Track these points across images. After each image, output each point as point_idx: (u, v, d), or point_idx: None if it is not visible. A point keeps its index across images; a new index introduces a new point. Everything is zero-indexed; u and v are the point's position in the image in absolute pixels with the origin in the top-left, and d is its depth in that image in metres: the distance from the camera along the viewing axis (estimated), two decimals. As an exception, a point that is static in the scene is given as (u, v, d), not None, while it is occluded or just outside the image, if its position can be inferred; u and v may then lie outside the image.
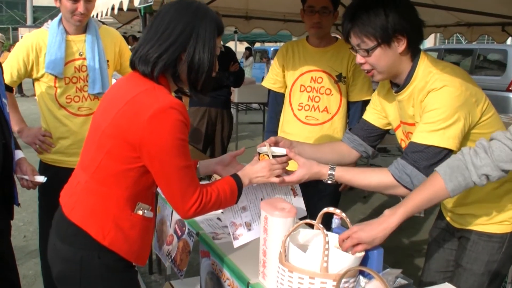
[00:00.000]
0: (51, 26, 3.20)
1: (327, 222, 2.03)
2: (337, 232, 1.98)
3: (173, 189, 1.87)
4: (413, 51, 2.11)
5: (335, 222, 2.14)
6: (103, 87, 3.20)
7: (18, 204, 2.75)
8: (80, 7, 3.03)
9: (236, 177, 2.04)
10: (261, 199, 2.25)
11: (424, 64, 2.10)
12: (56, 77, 3.17)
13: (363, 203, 6.61)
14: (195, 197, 1.87)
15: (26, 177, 2.69)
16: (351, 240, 1.86)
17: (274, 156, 2.13)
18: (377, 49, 2.04)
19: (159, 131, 1.77)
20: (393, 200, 6.50)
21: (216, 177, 2.44)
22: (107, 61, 3.29)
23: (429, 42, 18.06)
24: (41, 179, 2.72)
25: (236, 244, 2.15)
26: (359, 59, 2.12)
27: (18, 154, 2.77)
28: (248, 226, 2.19)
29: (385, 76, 2.16)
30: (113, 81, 2.82)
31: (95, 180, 1.92)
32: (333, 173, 2.17)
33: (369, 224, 1.89)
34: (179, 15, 1.87)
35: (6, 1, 32.15)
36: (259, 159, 2.15)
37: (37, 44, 3.16)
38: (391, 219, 1.88)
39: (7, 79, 3.13)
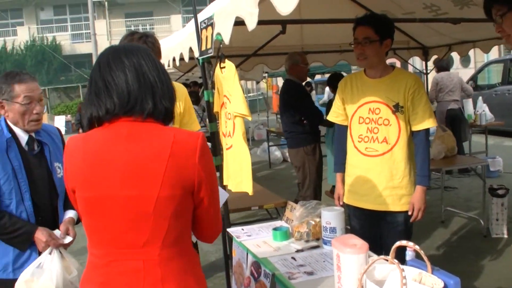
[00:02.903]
0: None
1: (400, 253, 2.01)
2: (412, 265, 1.95)
3: (217, 213, 1.93)
4: None
5: (409, 254, 2.11)
6: None
7: None
8: None
9: None
10: None
11: None
12: None
13: (441, 227, 6.40)
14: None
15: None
16: None
17: None
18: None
19: (208, 165, 1.83)
20: (473, 223, 6.32)
21: None
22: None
23: (493, 53, 17.61)
24: (67, 240, 2.83)
25: None
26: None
27: (68, 213, 2.94)
28: None
29: None
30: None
31: (169, 246, 1.78)
32: None
33: None
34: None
35: (74, 62, 33.67)
36: None
37: None
38: None
39: None
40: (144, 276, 1.74)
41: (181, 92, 3.49)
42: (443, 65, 8.94)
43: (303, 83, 6.28)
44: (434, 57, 7.81)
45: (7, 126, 2.82)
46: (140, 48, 1.89)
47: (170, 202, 1.73)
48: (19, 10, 35.90)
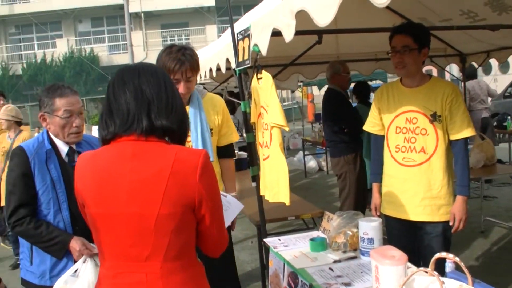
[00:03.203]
0: None
1: (440, 265, 1.98)
2: (452, 277, 1.93)
3: (221, 228, 1.97)
4: None
5: (449, 266, 2.08)
6: None
7: None
8: (182, 87, 3.21)
9: None
10: None
11: None
12: None
13: (481, 238, 6.29)
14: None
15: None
16: None
17: None
18: None
19: (209, 183, 1.87)
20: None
21: None
22: (211, 129, 3.41)
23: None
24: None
25: None
26: None
27: None
28: None
29: None
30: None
31: (170, 260, 1.85)
32: None
33: None
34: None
35: (111, 72, 34.02)
36: None
37: None
38: None
39: None
40: None
41: (219, 103, 3.51)
42: (471, 73, 8.79)
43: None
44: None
45: (49, 137, 2.90)
46: (145, 66, 1.96)
47: (171, 219, 1.81)
48: (58, 23, 36.69)
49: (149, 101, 1.85)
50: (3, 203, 5.98)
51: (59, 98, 2.82)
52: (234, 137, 3.56)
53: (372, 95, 6.70)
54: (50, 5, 34.55)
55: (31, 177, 2.77)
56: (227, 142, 3.49)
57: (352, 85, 7.73)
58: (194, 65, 3.20)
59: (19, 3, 35.84)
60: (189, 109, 3.36)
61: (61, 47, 35.05)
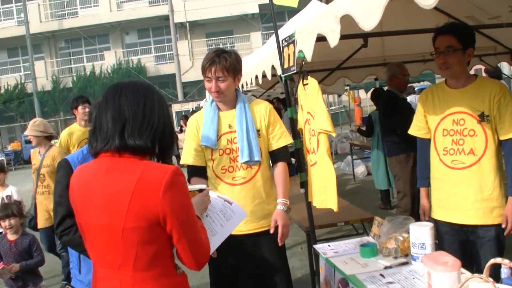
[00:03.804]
0: (206, 106, 3.51)
1: (495, 271, 1.93)
2: (508, 283, 1.88)
3: (195, 244, 1.98)
4: None
5: (504, 272, 2.03)
6: (251, 155, 3.34)
7: None
8: (212, 86, 3.29)
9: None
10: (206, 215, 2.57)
11: None
12: (212, 149, 3.39)
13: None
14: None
15: None
16: None
17: (200, 191, 2.41)
18: None
19: (175, 199, 1.90)
20: None
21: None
22: (258, 130, 3.42)
23: None
24: None
25: None
26: None
27: None
28: None
29: None
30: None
31: (140, 270, 1.94)
32: None
33: None
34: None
35: (159, 82, 34.75)
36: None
37: (197, 123, 3.48)
38: None
39: (190, 161, 3.47)
40: None
41: (264, 107, 3.50)
42: (495, 73, 8.54)
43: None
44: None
45: None
46: (128, 84, 2.06)
47: (135, 233, 1.90)
48: (106, 36, 37.53)
49: (125, 120, 1.96)
50: (40, 225, 5.92)
51: None
52: (284, 140, 3.49)
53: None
54: (97, 18, 35.43)
55: None
56: (277, 146, 3.47)
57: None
58: (226, 67, 3.24)
59: (68, 18, 36.85)
60: (235, 111, 3.40)
61: (109, 59, 35.86)
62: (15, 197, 5.99)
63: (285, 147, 3.50)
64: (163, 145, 2.04)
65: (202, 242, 2.03)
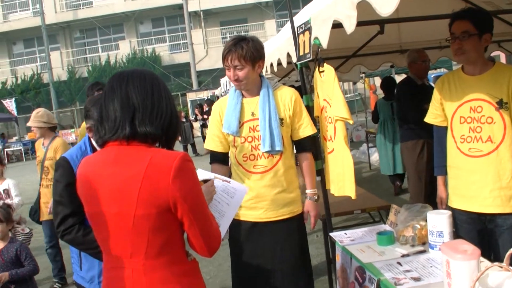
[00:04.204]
0: (230, 92, 3.52)
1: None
2: (529, 271, 1.85)
3: (206, 230, 1.98)
4: None
5: (525, 260, 2.01)
6: (272, 145, 3.32)
7: None
8: (231, 75, 3.31)
9: None
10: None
11: None
12: (234, 136, 3.41)
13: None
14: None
15: None
16: None
17: (204, 181, 2.41)
18: None
19: (185, 185, 1.90)
20: None
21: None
22: (281, 119, 3.39)
23: None
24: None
25: None
26: None
27: None
28: None
29: None
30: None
31: (152, 257, 1.95)
32: None
33: None
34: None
35: (173, 71, 34.82)
36: None
37: (221, 109, 3.51)
38: None
39: (212, 146, 3.53)
40: (132, 283, 1.97)
41: (288, 95, 3.46)
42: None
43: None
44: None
45: (91, 145, 2.96)
46: (134, 72, 2.05)
47: (146, 220, 1.90)
48: (120, 25, 37.65)
49: (134, 108, 1.96)
50: (43, 217, 5.82)
51: None
52: (309, 130, 3.47)
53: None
54: (112, 8, 35.54)
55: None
56: (301, 136, 3.44)
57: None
58: (243, 55, 3.23)
59: (83, 8, 37.01)
60: (259, 99, 3.39)
61: (124, 49, 36.00)
62: (12, 191, 5.87)
63: (310, 136, 3.49)
64: (169, 132, 2.04)
65: (213, 227, 2.03)
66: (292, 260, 3.43)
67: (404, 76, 7.29)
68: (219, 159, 3.54)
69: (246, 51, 3.23)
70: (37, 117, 5.81)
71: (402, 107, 6.05)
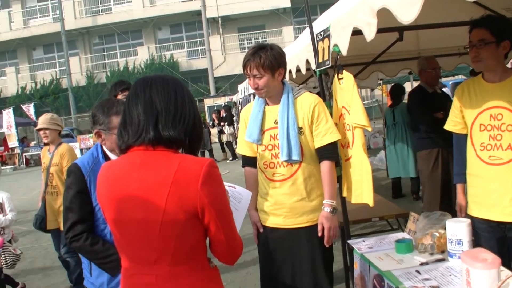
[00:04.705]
0: (255, 99, 3.54)
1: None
2: (550, 281, 1.84)
3: (231, 237, 1.99)
4: None
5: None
6: (290, 154, 3.31)
7: None
8: (251, 83, 3.36)
9: None
10: None
11: None
12: (256, 144, 3.47)
13: None
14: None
15: None
16: None
17: None
18: None
19: (213, 191, 1.90)
20: None
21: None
22: (300, 128, 3.36)
23: None
24: None
25: None
26: None
27: None
28: None
29: None
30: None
31: (177, 264, 1.94)
32: None
33: None
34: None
35: (191, 77, 34.96)
36: None
37: (246, 116, 3.58)
38: None
39: (243, 151, 3.63)
40: None
41: (308, 102, 3.41)
42: None
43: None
44: None
45: (103, 152, 2.96)
46: (157, 77, 2.04)
47: (174, 225, 1.89)
48: (139, 31, 37.95)
49: (158, 112, 1.95)
50: (50, 226, 5.71)
51: (116, 116, 2.84)
52: (329, 137, 3.37)
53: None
54: (130, 14, 35.83)
55: (87, 194, 2.82)
56: (321, 144, 3.37)
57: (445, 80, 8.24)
58: (261, 64, 3.25)
59: (102, 14, 37.36)
60: (279, 107, 3.39)
61: (142, 55, 36.27)
62: (6, 205, 5.69)
63: (332, 144, 3.39)
64: (193, 137, 2.03)
65: (237, 235, 2.03)
66: (310, 267, 3.43)
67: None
68: (251, 163, 3.61)
69: (264, 60, 3.24)
70: (52, 119, 5.72)
71: (413, 117, 6.07)
